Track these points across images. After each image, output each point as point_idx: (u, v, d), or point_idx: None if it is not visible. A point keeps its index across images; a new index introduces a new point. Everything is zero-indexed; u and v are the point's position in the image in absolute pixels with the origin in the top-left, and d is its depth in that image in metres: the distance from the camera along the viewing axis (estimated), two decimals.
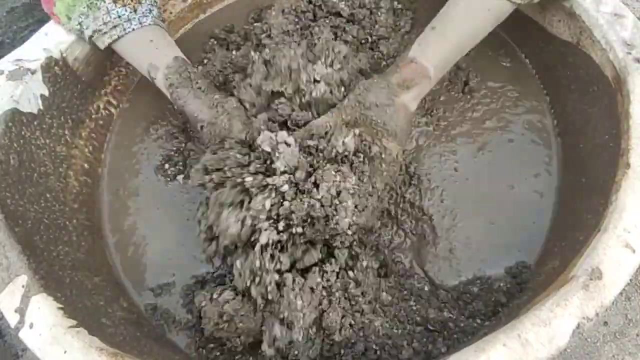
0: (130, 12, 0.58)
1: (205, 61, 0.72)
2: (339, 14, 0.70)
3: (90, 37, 0.59)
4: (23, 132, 0.55)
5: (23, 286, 0.45)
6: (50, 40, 0.60)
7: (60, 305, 0.45)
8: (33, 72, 0.57)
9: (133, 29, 0.59)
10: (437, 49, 0.56)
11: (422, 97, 0.58)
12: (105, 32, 0.59)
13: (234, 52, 0.71)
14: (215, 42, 0.73)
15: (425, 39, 0.57)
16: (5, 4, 0.92)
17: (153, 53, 0.60)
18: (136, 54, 0.61)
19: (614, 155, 0.48)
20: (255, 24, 0.73)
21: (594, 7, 0.56)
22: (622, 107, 0.50)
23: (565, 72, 0.61)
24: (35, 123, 0.57)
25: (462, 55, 0.58)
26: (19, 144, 0.54)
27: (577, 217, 0.52)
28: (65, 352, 0.42)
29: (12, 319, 0.44)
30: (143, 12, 0.59)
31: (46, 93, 0.58)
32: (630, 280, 0.61)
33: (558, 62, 0.62)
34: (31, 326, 0.43)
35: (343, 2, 0.69)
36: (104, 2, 0.58)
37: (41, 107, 0.58)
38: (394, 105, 0.55)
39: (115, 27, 0.58)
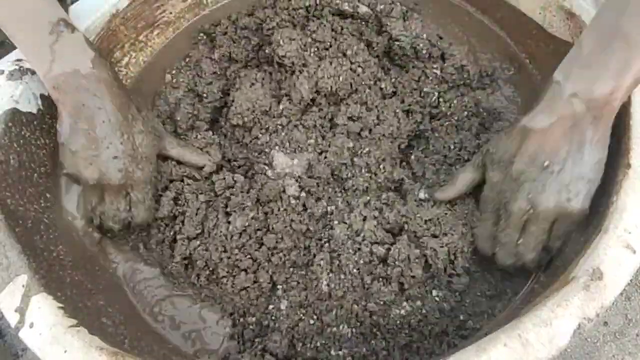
0: None
1: (187, 59, 0.71)
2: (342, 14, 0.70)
3: None
4: (23, 132, 0.55)
5: (23, 286, 0.45)
6: None
7: (61, 305, 0.45)
8: (33, 72, 0.57)
9: None
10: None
11: (562, 114, 0.47)
12: None
13: (215, 53, 0.70)
14: (205, 37, 0.73)
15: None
16: None
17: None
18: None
19: (614, 155, 0.48)
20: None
21: (594, 7, 0.56)
22: (622, 107, 0.49)
23: None
24: (35, 123, 0.57)
25: None
26: (19, 144, 0.54)
27: None
28: (65, 351, 0.41)
29: (12, 319, 0.44)
30: None
31: (46, 93, 0.58)
32: (631, 280, 0.61)
33: (558, 62, 0.62)
34: (31, 326, 0.43)
35: (346, 3, 0.68)
36: None
37: (41, 107, 0.58)
38: (511, 132, 0.51)
39: None
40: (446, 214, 0.57)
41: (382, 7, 0.67)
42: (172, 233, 0.60)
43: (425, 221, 0.57)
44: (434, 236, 0.56)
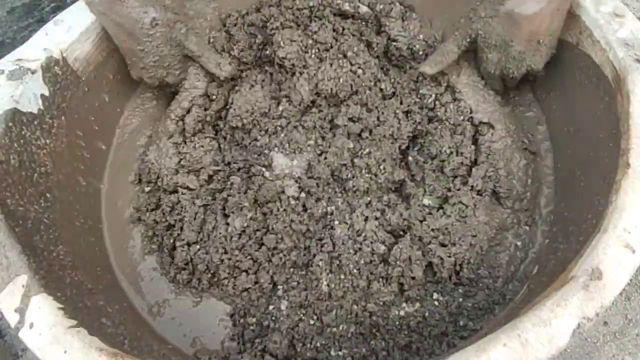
0: None
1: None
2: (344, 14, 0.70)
3: None
4: (23, 132, 0.55)
5: (23, 286, 0.45)
6: (51, 40, 0.60)
7: (60, 305, 0.45)
8: (33, 72, 0.57)
9: None
10: None
11: None
12: None
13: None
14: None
15: None
16: (5, 4, 0.92)
17: None
18: None
19: (614, 155, 0.48)
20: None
21: (593, 7, 0.56)
22: (622, 107, 0.50)
23: (564, 72, 0.61)
24: (36, 123, 0.57)
25: None
26: (19, 143, 0.54)
27: (577, 217, 0.52)
28: (65, 352, 0.41)
29: (12, 319, 0.44)
30: None
31: (46, 93, 0.58)
32: (630, 280, 0.61)
33: (557, 62, 0.62)
34: (31, 326, 0.43)
35: (347, 4, 0.69)
36: None
37: (41, 107, 0.58)
38: (498, 15, 0.57)
39: None
40: (455, 224, 0.57)
41: (381, 6, 0.67)
42: (171, 241, 0.60)
43: (433, 229, 0.57)
44: (442, 245, 0.56)
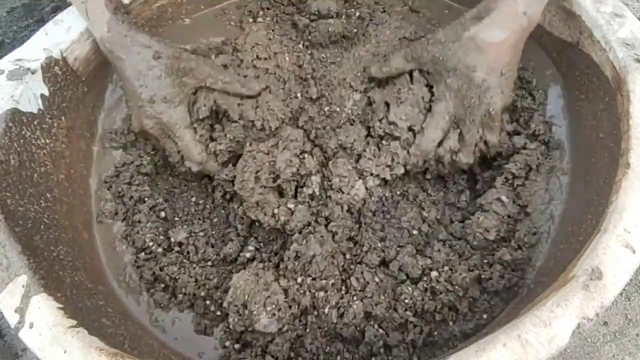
0: None
1: None
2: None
3: None
4: (23, 132, 0.55)
5: (23, 286, 0.45)
6: (51, 40, 0.60)
7: (60, 305, 0.45)
8: (33, 72, 0.57)
9: None
10: None
11: (514, 29, 0.54)
12: None
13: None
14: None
15: None
16: (5, 4, 0.92)
17: None
18: None
19: (614, 155, 0.48)
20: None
21: (593, 7, 0.56)
22: (622, 107, 0.50)
23: (564, 72, 0.61)
24: (36, 123, 0.57)
25: None
26: (19, 143, 0.54)
27: (577, 217, 0.52)
28: (65, 352, 0.41)
29: (12, 319, 0.44)
30: None
31: (46, 93, 0.58)
32: (630, 280, 0.61)
33: (557, 62, 0.62)
34: (31, 326, 0.43)
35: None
36: None
37: (41, 107, 0.58)
38: (460, 40, 0.55)
39: None
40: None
41: None
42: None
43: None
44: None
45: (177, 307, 0.58)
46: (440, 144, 0.59)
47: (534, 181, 0.57)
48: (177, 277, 0.58)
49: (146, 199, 0.64)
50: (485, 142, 0.58)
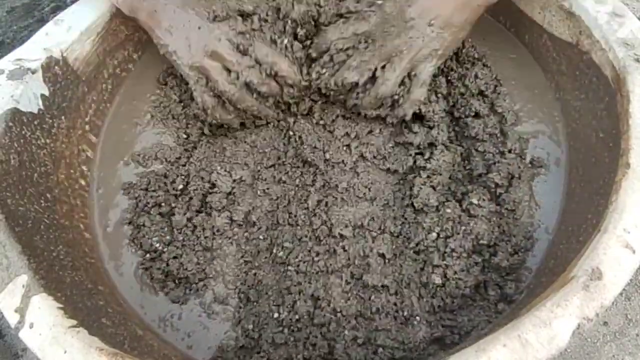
0: None
1: None
2: None
3: None
4: (23, 132, 0.55)
5: (23, 286, 0.45)
6: (51, 40, 0.60)
7: (61, 305, 0.45)
8: (33, 72, 0.57)
9: None
10: None
11: None
12: None
13: None
14: None
15: None
16: (5, 4, 0.92)
17: None
18: None
19: (614, 155, 0.48)
20: None
21: (593, 7, 0.56)
22: (622, 107, 0.50)
23: (564, 72, 0.61)
24: (36, 123, 0.57)
25: None
26: (19, 143, 0.54)
27: (577, 217, 0.52)
28: (65, 352, 0.41)
29: (12, 319, 0.44)
30: None
31: (46, 93, 0.58)
32: (630, 280, 0.61)
33: (557, 62, 0.62)
34: (31, 326, 0.43)
35: None
36: None
37: (41, 107, 0.58)
38: None
39: None
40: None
41: None
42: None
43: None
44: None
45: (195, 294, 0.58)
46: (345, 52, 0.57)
47: (517, 187, 0.57)
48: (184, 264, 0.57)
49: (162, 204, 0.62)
50: (383, 82, 0.56)
